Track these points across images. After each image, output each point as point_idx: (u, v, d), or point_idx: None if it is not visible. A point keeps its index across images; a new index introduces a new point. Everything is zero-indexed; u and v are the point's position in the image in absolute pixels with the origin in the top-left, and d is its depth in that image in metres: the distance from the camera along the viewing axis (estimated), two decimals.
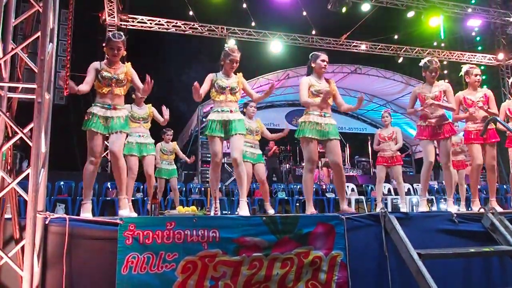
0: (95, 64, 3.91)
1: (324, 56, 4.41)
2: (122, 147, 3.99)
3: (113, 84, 3.87)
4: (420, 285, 3.04)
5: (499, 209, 4.23)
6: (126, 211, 3.97)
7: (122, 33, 4.03)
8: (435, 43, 15.28)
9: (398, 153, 6.51)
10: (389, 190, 9.71)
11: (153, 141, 5.54)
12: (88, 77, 3.86)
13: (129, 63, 4.04)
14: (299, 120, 4.43)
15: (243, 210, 4.07)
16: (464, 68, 4.91)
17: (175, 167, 7.46)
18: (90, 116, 3.80)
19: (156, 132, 5.78)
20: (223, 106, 4.26)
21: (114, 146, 3.83)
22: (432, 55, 14.36)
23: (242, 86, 4.37)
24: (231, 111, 4.24)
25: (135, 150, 5.27)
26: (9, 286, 2.79)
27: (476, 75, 4.78)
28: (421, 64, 4.73)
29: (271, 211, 5.58)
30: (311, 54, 4.49)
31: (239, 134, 4.18)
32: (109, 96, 3.88)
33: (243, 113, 5.29)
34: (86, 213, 3.73)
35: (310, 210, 4.34)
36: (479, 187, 5.70)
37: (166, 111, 5.25)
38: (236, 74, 4.37)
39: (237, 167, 4.16)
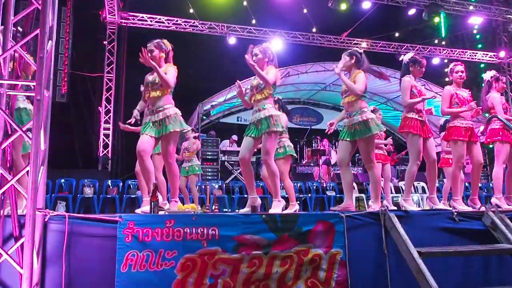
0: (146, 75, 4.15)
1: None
2: (173, 150, 4.12)
3: (149, 88, 4.02)
4: (420, 283, 3.04)
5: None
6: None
7: (158, 40, 4.17)
8: (436, 41, 15.23)
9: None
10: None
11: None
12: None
13: (169, 63, 4.16)
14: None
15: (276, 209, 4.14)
16: (451, 65, 4.89)
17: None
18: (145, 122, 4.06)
19: None
20: (253, 106, 4.27)
21: (163, 149, 4.04)
22: (433, 53, 14.35)
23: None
24: (258, 110, 4.18)
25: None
26: (8, 283, 2.79)
27: (457, 72, 4.75)
28: (407, 59, 4.62)
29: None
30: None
31: (266, 133, 4.13)
32: (150, 101, 4.07)
33: None
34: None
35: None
36: (480, 185, 5.72)
37: None
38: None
39: (267, 168, 4.18)
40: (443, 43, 15.47)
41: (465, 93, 4.76)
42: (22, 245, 2.64)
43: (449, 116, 4.91)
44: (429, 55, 14.25)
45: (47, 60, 2.92)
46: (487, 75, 5.12)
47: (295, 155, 5.47)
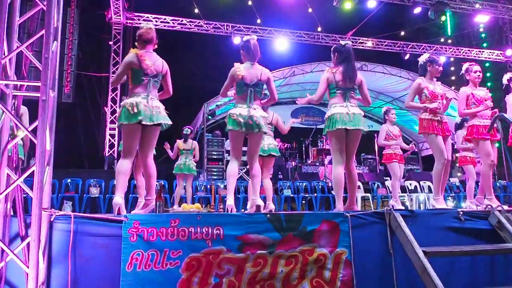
0: None
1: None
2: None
3: None
4: (425, 283, 3.02)
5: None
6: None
7: None
8: (442, 39, 15.15)
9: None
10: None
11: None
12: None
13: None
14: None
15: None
16: (464, 66, 4.89)
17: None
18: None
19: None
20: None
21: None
22: (439, 52, 14.27)
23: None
24: (254, 108, 4.25)
25: None
26: (15, 282, 2.81)
27: (475, 72, 4.74)
28: (423, 59, 4.62)
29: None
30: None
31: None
32: None
33: None
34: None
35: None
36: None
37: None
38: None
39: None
40: (449, 41, 15.39)
41: (482, 92, 4.74)
42: (28, 244, 2.66)
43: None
44: (435, 53, 14.17)
45: (52, 60, 2.94)
46: (505, 78, 5.16)
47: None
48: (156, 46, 4.07)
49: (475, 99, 4.67)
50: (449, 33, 15.06)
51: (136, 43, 3.98)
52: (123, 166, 3.83)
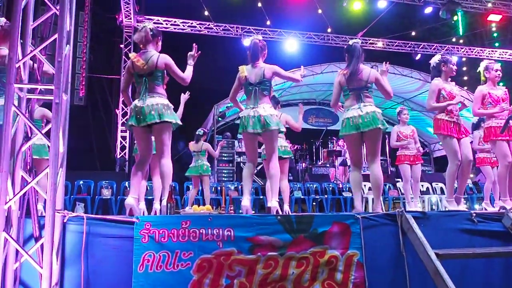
0: None
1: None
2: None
3: None
4: (438, 285, 2.99)
5: None
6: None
7: None
8: (453, 39, 15.00)
9: (419, 152, 6.48)
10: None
11: None
12: None
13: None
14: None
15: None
16: (483, 63, 4.81)
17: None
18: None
19: None
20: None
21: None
22: (451, 52, 14.13)
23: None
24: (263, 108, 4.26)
25: None
26: (29, 283, 2.85)
27: (496, 71, 4.68)
28: (436, 60, 4.60)
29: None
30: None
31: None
32: None
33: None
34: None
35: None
36: None
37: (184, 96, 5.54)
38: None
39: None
40: (461, 41, 15.23)
41: (500, 92, 4.68)
42: (42, 245, 2.70)
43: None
44: (447, 53, 14.04)
45: (65, 64, 2.98)
46: None
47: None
48: (159, 43, 4.11)
49: (492, 98, 4.61)
50: (461, 33, 14.89)
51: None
52: (134, 167, 3.91)
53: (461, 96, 4.45)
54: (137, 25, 12.28)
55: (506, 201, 4.46)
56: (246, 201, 4.05)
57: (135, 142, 3.96)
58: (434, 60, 4.61)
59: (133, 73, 3.94)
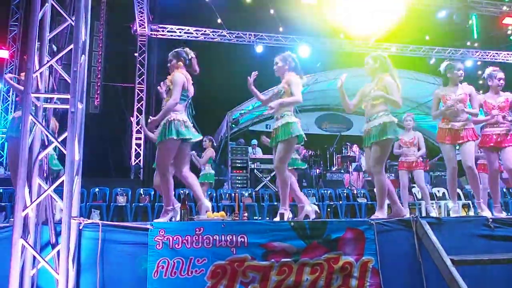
0: None
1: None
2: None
3: (166, 95, 4.07)
4: None
5: None
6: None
7: (177, 49, 4.21)
8: (468, 43, 14.82)
9: (421, 158, 6.44)
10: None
11: None
12: None
13: (179, 70, 4.12)
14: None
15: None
16: (487, 70, 4.78)
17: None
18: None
19: None
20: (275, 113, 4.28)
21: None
22: (466, 56, 13.97)
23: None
24: (277, 118, 4.26)
25: None
26: None
27: (499, 79, 4.64)
28: (443, 67, 4.60)
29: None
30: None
31: (281, 141, 4.14)
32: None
33: None
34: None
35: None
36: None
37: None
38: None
39: (277, 176, 4.17)
40: (476, 45, 15.03)
41: (501, 98, 4.63)
42: (58, 252, 2.74)
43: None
44: (462, 58, 13.89)
45: (81, 73, 3.03)
46: None
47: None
48: (180, 64, 4.16)
49: (486, 107, 4.63)
50: (476, 37, 14.70)
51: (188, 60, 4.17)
52: None
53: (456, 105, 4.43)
54: (151, 34, 12.46)
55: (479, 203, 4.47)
56: (282, 210, 4.11)
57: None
58: (441, 68, 4.63)
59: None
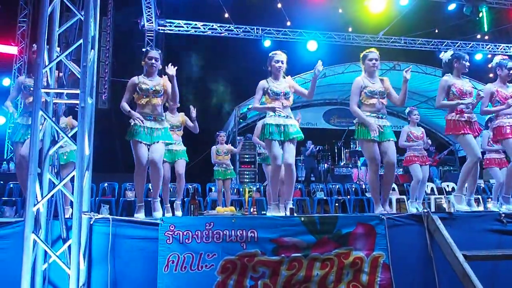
0: (133, 79, 4.03)
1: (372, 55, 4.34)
2: (162, 156, 4.06)
3: (151, 95, 3.96)
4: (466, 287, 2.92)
5: None
6: (159, 213, 4.10)
7: (158, 49, 4.17)
8: (478, 36, 14.63)
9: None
10: (432, 189, 9.40)
11: (185, 148, 5.64)
12: (127, 95, 4.02)
13: (166, 76, 4.10)
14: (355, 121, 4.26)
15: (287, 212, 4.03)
16: (496, 59, 4.64)
17: (232, 167, 7.56)
18: (133, 127, 3.88)
19: (187, 139, 5.84)
20: (279, 112, 4.15)
21: (155, 155, 3.90)
22: (476, 49, 13.81)
23: (294, 89, 4.29)
24: (286, 116, 4.18)
25: (167, 157, 5.38)
26: (57, 283, 2.91)
27: (510, 69, 4.47)
28: (448, 57, 4.48)
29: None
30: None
31: (296, 139, 4.14)
32: (148, 107, 3.96)
33: None
34: (140, 214, 3.95)
35: (378, 209, 4.12)
36: None
37: (193, 110, 5.42)
38: (285, 78, 4.30)
39: (291, 173, 4.08)
40: (486, 38, 14.83)
41: (510, 89, 4.52)
42: (69, 246, 2.75)
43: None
44: (471, 51, 13.73)
45: (90, 68, 3.03)
46: None
47: None
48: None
49: (499, 96, 4.43)
50: (486, 29, 14.51)
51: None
52: None
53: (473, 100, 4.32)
54: (158, 29, 12.45)
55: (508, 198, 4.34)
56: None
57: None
58: (446, 56, 4.47)
59: None
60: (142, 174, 3.93)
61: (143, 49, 12.34)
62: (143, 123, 3.85)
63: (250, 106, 12.59)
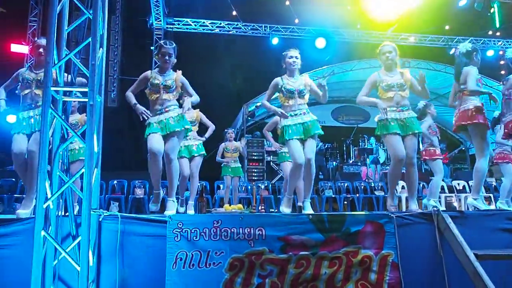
0: (146, 73, 3.99)
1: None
2: (177, 148, 3.99)
3: (161, 90, 3.92)
4: (477, 287, 2.89)
5: None
6: (171, 212, 4.06)
7: (172, 42, 4.08)
8: (490, 32, 14.43)
9: None
10: (442, 188, 9.32)
11: (201, 141, 5.64)
12: (135, 86, 4.01)
13: (180, 71, 4.07)
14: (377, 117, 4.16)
15: (308, 209, 4.00)
16: (509, 52, 4.53)
17: (240, 165, 7.55)
18: (149, 124, 3.88)
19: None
20: (295, 110, 4.11)
21: (167, 146, 3.86)
22: (487, 45, 13.63)
23: (309, 88, 4.21)
24: (303, 113, 4.12)
25: (184, 152, 5.40)
26: (67, 279, 2.93)
27: None
28: (468, 48, 4.39)
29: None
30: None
31: (316, 135, 4.09)
32: (159, 102, 3.92)
33: None
34: (154, 206, 4.13)
35: (392, 203, 4.09)
36: None
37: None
38: (301, 75, 4.24)
39: (310, 168, 4.03)
40: (498, 34, 14.63)
41: None
42: (79, 243, 2.77)
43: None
44: (483, 47, 13.56)
45: (99, 67, 3.04)
46: None
47: None
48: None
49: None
50: (498, 25, 14.31)
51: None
52: None
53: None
54: (167, 27, 12.49)
55: None
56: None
57: None
58: (466, 47, 4.34)
59: None
60: (155, 162, 3.80)
61: (151, 48, 12.46)
62: (147, 118, 3.83)
63: (258, 104, 12.60)
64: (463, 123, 4.15)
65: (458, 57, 4.36)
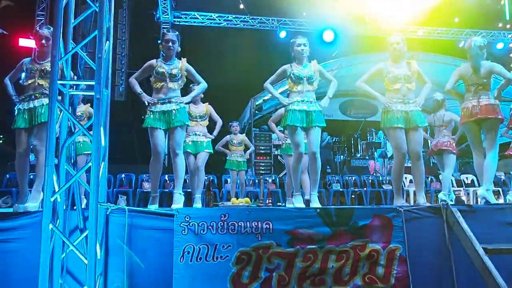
0: (152, 61, 4.00)
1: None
2: (181, 141, 4.01)
3: (167, 79, 3.92)
4: (486, 282, 2.86)
5: None
6: (178, 206, 4.06)
7: (175, 30, 4.10)
8: (500, 25, 14.22)
9: None
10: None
11: (209, 139, 5.58)
12: (139, 73, 4.06)
13: (185, 58, 4.07)
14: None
15: (315, 203, 3.97)
16: None
17: (245, 159, 7.50)
18: (149, 114, 3.87)
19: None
20: (302, 96, 4.06)
21: (172, 142, 3.88)
22: (497, 38, 13.44)
23: (319, 73, 4.16)
24: (311, 101, 4.08)
25: (190, 147, 5.37)
26: (75, 272, 2.95)
27: None
28: (485, 42, 4.32)
29: None
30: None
31: (319, 126, 4.05)
32: (163, 91, 3.93)
33: None
34: (153, 206, 3.91)
35: (399, 201, 4.04)
36: None
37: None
38: (310, 62, 4.19)
39: (315, 161, 4.03)
40: (508, 26, 14.42)
41: None
42: (86, 236, 2.78)
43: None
44: (493, 40, 13.37)
45: (105, 60, 3.04)
46: None
47: None
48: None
49: None
50: (508, 18, 14.10)
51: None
52: None
53: None
54: (174, 21, 12.46)
55: None
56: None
57: None
58: (482, 41, 4.31)
59: None
60: (158, 163, 3.89)
61: (159, 41, 12.44)
62: (155, 104, 3.84)
63: (265, 98, 12.57)
64: (489, 116, 4.07)
65: (473, 49, 4.29)
